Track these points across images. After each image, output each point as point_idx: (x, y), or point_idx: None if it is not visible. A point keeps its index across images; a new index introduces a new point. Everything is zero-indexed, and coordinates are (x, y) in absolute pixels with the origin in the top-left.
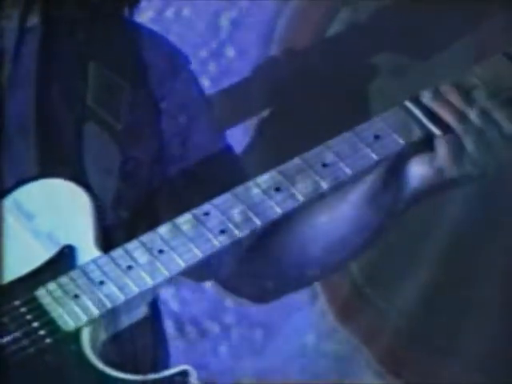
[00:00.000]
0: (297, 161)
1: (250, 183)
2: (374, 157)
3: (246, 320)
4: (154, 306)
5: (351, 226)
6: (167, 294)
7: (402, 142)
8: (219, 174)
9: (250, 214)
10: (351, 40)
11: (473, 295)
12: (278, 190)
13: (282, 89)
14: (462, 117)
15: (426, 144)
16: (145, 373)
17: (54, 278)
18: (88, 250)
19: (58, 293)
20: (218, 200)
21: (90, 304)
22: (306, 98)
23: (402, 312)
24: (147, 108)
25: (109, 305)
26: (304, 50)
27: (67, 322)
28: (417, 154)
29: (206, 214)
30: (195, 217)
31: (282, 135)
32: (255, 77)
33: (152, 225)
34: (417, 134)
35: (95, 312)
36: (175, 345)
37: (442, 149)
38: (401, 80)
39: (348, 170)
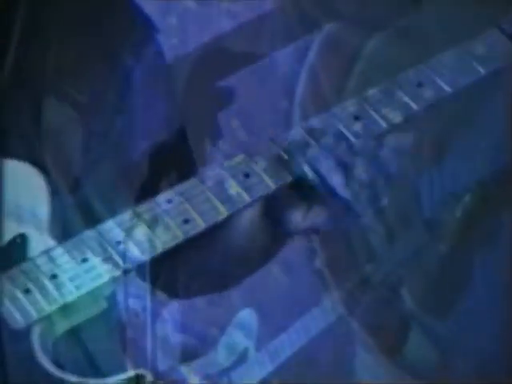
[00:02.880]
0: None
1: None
2: None
3: None
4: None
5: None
6: None
7: None
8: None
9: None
10: None
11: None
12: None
13: None
14: (346, 176)
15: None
16: (103, 372)
17: (4, 270)
18: (42, 240)
19: (8, 287)
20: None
21: (41, 299)
22: None
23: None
24: (114, 78)
25: (61, 300)
26: None
27: (17, 319)
28: (293, 197)
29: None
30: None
31: None
32: None
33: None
34: None
35: (47, 308)
36: None
37: (320, 211)
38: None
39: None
